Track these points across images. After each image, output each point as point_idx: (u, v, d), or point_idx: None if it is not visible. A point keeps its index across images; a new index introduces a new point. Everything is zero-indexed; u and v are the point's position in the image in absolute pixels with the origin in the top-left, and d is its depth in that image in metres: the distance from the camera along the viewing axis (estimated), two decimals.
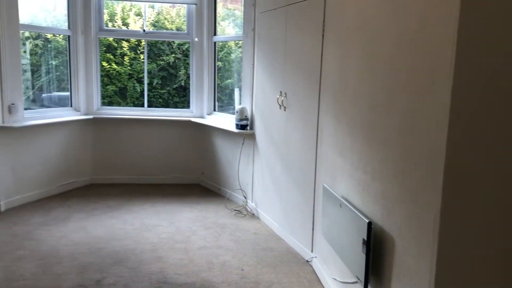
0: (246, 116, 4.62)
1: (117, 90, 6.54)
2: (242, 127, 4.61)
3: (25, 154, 4.65)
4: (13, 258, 3.38)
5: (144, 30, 5.60)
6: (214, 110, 5.57)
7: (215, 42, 5.45)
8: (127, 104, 6.51)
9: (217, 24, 5.53)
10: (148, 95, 5.81)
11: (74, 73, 5.31)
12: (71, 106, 5.36)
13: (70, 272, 3.19)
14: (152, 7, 6.86)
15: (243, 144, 4.64)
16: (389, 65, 2.18)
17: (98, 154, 5.49)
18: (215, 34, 5.44)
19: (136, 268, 3.28)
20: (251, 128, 4.62)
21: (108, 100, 6.38)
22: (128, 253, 3.54)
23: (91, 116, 5.35)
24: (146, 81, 5.76)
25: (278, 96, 3.90)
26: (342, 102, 2.81)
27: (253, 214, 4.54)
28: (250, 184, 4.62)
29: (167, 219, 4.34)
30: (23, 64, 5.19)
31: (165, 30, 6.54)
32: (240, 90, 5.56)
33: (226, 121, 5.13)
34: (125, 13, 6.73)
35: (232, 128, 4.74)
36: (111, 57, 6.50)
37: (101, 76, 5.67)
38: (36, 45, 5.47)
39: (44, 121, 4.81)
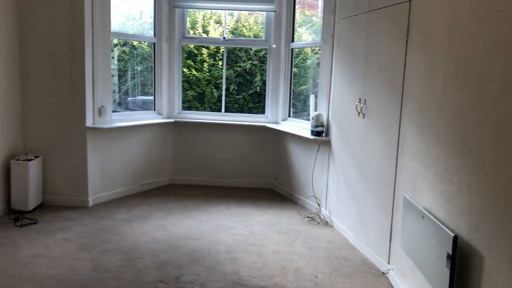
0: (321, 123, 4.59)
1: (195, 95, 6.78)
2: (318, 133, 4.59)
3: (112, 154, 4.97)
4: (100, 251, 3.62)
5: (224, 37, 5.77)
6: (289, 116, 5.60)
7: (292, 49, 5.49)
8: (204, 109, 6.73)
9: (294, 31, 5.56)
10: (225, 100, 5.97)
11: (158, 79, 5.59)
12: (154, 109, 5.65)
13: (151, 267, 3.36)
14: (231, 14, 7.04)
15: (318, 151, 4.62)
16: (480, 72, 2.08)
17: (177, 156, 5.73)
18: (292, 41, 5.47)
19: (212, 268, 3.38)
20: (327, 135, 4.59)
21: (187, 104, 6.64)
22: (204, 253, 3.65)
23: (172, 120, 5.60)
24: (224, 86, 5.93)
25: (356, 103, 3.84)
26: (427, 111, 2.71)
27: (327, 222, 4.50)
28: (324, 191, 4.58)
29: (241, 222, 4.42)
30: (111, 69, 5.56)
31: (243, 37, 6.69)
32: (315, 96, 5.56)
33: (300, 127, 5.14)
34: (206, 21, 6.97)
35: (307, 134, 4.74)
36: (192, 63, 6.75)
37: (182, 81, 5.91)
38: (123, 52, 5.83)
39: (130, 123, 5.11)
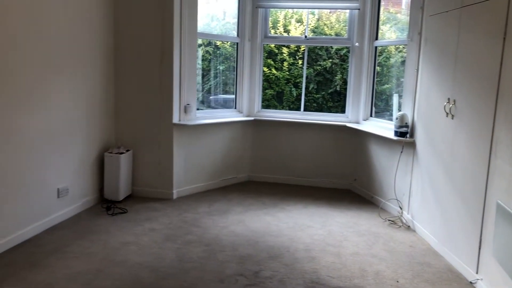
0: (406, 123, 4.44)
1: (274, 94, 6.85)
2: (402, 134, 4.44)
3: (195, 150, 5.17)
4: (184, 242, 3.79)
5: (305, 36, 5.77)
6: (371, 115, 5.47)
7: (376, 47, 5.36)
8: (283, 108, 6.77)
9: (378, 29, 5.42)
10: (304, 99, 5.96)
11: (239, 78, 5.72)
12: (235, 108, 5.79)
13: (231, 260, 3.45)
14: (313, 13, 7.02)
15: (401, 152, 4.47)
16: None
17: (256, 154, 5.83)
18: (376, 39, 5.34)
19: (290, 265, 3.40)
20: (411, 136, 4.42)
21: (266, 103, 6.72)
22: (283, 250, 3.69)
23: (252, 118, 5.71)
24: (304, 85, 5.93)
25: (445, 104, 3.66)
26: None
27: (409, 226, 4.34)
28: (407, 194, 4.42)
29: (319, 222, 4.40)
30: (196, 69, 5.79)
31: (324, 36, 6.64)
32: (399, 96, 5.37)
33: (383, 128, 5.00)
34: (287, 20, 7.01)
35: (390, 135, 4.60)
36: (272, 62, 6.83)
37: (262, 80, 5.99)
38: (207, 52, 6.04)
39: (212, 121, 5.29)
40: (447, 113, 3.65)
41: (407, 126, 4.43)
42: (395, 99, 5.46)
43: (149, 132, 4.90)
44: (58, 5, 3.92)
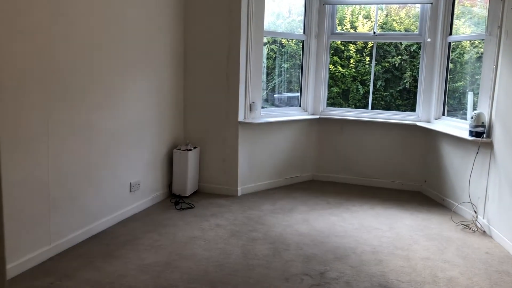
0: (482, 123, 4.18)
1: (340, 92, 6.73)
2: (477, 134, 4.19)
3: (259, 147, 5.20)
4: (249, 239, 3.82)
5: (374, 32, 5.61)
6: (443, 114, 5.22)
7: (449, 43, 5.10)
8: (348, 106, 6.64)
9: (452, 23, 5.15)
10: (371, 97, 5.79)
11: (304, 75, 5.68)
12: (300, 106, 5.75)
13: (296, 259, 3.43)
14: (381, 9, 6.81)
15: (477, 153, 4.22)
16: None
17: (320, 152, 5.76)
18: (450, 34, 5.08)
19: (356, 267, 3.33)
20: (488, 136, 4.16)
21: (331, 101, 6.62)
22: (349, 251, 3.61)
23: (317, 116, 5.65)
24: (372, 83, 5.77)
25: None
26: None
27: (484, 231, 4.09)
28: (483, 198, 4.17)
29: (387, 224, 4.27)
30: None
31: (394, 32, 6.42)
32: (474, 94, 5.09)
33: (456, 127, 4.75)
34: (354, 16, 6.86)
35: (465, 135, 4.36)
36: (337, 59, 6.71)
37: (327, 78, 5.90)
38: (272, 50, 6.05)
39: (277, 119, 5.29)
40: None
41: (483, 126, 4.17)
42: (469, 97, 5.18)
43: (215, 130, 4.99)
44: (132, 5, 4.09)
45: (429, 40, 5.22)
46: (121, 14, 3.94)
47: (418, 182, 5.40)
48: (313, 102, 5.76)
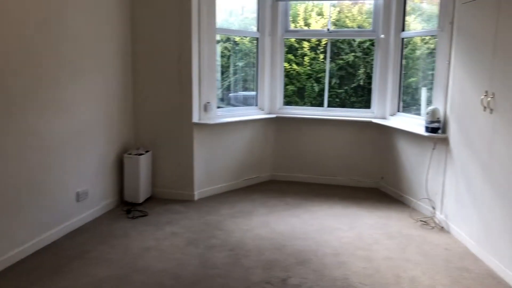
0: (438, 118, 4.20)
1: (296, 90, 6.66)
2: (433, 130, 4.20)
3: (216, 149, 5.02)
4: (207, 246, 3.64)
5: (328, 29, 5.55)
6: (398, 110, 5.23)
7: (402, 39, 5.11)
8: (304, 104, 6.58)
9: (405, 19, 5.17)
10: (327, 94, 5.73)
11: (260, 74, 5.54)
12: (256, 105, 5.61)
13: (257, 266, 3.29)
14: (334, 5, 6.80)
15: (433, 149, 4.23)
16: None
17: (278, 152, 5.65)
18: (403, 30, 5.09)
19: (319, 271, 3.22)
20: (444, 131, 4.18)
21: (287, 100, 6.53)
22: (310, 255, 3.51)
23: (274, 115, 5.53)
24: (327, 80, 5.71)
25: (482, 97, 3.42)
26: None
27: (442, 227, 4.11)
28: (440, 194, 4.19)
29: (347, 223, 4.21)
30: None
31: (347, 28, 6.41)
32: (427, 89, 5.13)
33: (412, 123, 4.77)
34: (307, 13, 6.80)
35: (421, 131, 4.37)
36: (292, 57, 6.63)
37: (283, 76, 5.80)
38: (225, 48, 5.88)
39: (233, 119, 5.13)
40: (484, 107, 3.41)
41: (439, 121, 4.19)
42: (423, 93, 5.22)
43: (168, 132, 4.76)
44: (74, 4, 3.80)
45: (382, 36, 5.22)
46: (61, 12, 3.64)
47: (375, 178, 5.40)
48: (269, 101, 5.64)
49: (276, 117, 5.53)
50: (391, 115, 5.24)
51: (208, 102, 4.86)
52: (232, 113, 5.27)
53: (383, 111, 5.32)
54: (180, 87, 4.66)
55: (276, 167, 5.69)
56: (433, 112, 4.21)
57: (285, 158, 5.65)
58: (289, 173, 5.65)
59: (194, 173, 4.79)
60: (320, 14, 6.78)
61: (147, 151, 4.71)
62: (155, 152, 4.82)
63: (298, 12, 6.75)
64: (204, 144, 4.87)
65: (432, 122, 4.21)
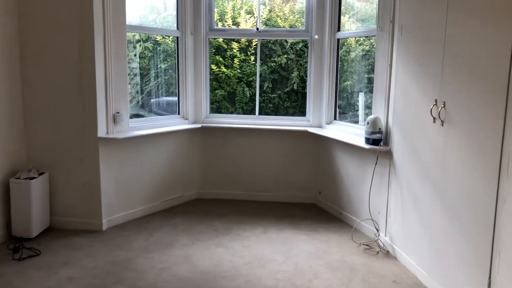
0: (379, 129, 3.74)
1: (225, 94, 6.05)
2: (375, 142, 3.74)
3: (129, 167, 4.27)
4: None
5: (257, 29, 4.97)
6: (335, 118, 4.76)
7: (338, 39, 4.64)
8: (235, 110, 6.00)
9: (341, 19, 4.71)
10: (259, 100, 5.16)
11: (182, 77, 4.85)
12: (179, 113, 4.91)
13: None
14: (264, 3, 6.27)
15: (376, 164, 3.77)
16: None
17: (205, 167, 4.98)
18: (338, 30, 4.63)
19: None
20: (386, 143, 3.74)
21: (216, 105, 5.91)
22: None
23: (199, 125, 4.85)
24: (258, 85, 5.13)
25: (431, 106, 2.98)
26: None
27: (388, 251, 3.65)
28: (384, 213, 3.73)
29: (282, 252, 3.63)
30: (133, 68, 4.88)
31: (278, 28, 5.89)
32: (364, 93, 4.73)
33: (350, 133, 4.31)
34: (236, 12, 6.21)
35: (360, 142, 3.90)
36: (221, 59, 6.02)
37: (210, 80, 5.15)
38: (146, 48, 5.15)
39: (150, 131, 4.39)
40: (434, 118, 2.97)
41: (380, 133, 3.73)
42: (360, 98, 4.81)
43: (69, 150, 3.95)
44: None
45: (316, 37, 4.72)
46: None
47: (312, 193, 4.89)
48: (194, 108, 4.96)
49: (202, 127, 4.87)
50: (328, 124, 4.75)
51: (117, 112, 4.10)
52: (149, 124, 4.53)
53: (319, 118, 4.83)
54: (81, 94, 3.87)
55: (203, 184, 5.01)
56: (374, 122, 3.74)
57: (213, 173, 4.99)
58: (218, 190, 5.01)
59: (102, 197, 4.00)
60: (250, 12, 6.21)
61: (41, 173, 3.87)
62: (53, 174, 3.98)
63: (226, 10, 6.15)
64: (114, 162, 4.11)
65: (373, 133, 3.75)
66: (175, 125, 4.74)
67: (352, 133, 4.30)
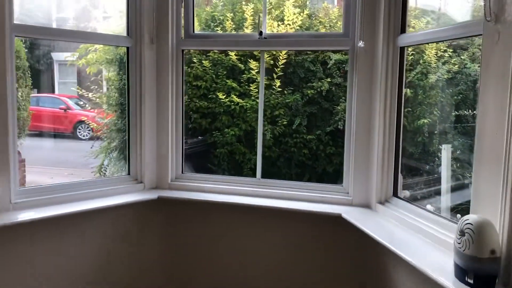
0: (493, 250, 1.52)
1: (241, 134, 4.31)
2: (480, 281, 1.52)
3: (39, 268, 2.39)
4: None
5: (261, 33, 2.91)
6: (394, 194, 2.56)
7: (401, 48, 2.48)
8: (254, 155, 4.11)
9: (407, 15, 2.55)
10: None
11: (133, 111, 2.95)
12: (129, 173, 2.98)
13: None
14: (300, 5, 4.42)
15: None
16: None
17: (167, 267, 2.97)
18: (402, 32, 2.47)
19: None
20: (507, 284, 1.51)
21: (227, 149, 4.24)
22: None
23: (155, 196, 2.86)
24: (260, 129, 3.05)
25: None
26: None
27: None
28: None
29: None
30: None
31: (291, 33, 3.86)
32: (453, 148, 2.60)
33: (422, 231, 2.10)
34: (258, 18, 4.31)
35: (446, 270, 1.70)
36: (235, 85, 4.29)
37: (187, 114, 3.18)
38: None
39: (59, 212, 2.49)
40: None
41: (495, 261, 1.52)
42: (444, 155, 2.61)
43: None
44: None
45: (361, 44, 2.58)
46: None
47: None
48: (154, 164, 3.01)
49: (162, 200, 2.87)
50: (381, 202, 2.56)
51: None
52: (58, 197, 2.61)
53: (366, 191, 2.65)
54: None
55: None
56: (479, 234, 1.53)
57: (181, 278, 2.96)
58: None
59: None
60: (281, 20, 4.29)
61: None
62: None
63: (246, 15, 4.25)
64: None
65: (475, 260, 1.55)
66: (115, 195, 2.80)
67: (428, 231, 2.09)
